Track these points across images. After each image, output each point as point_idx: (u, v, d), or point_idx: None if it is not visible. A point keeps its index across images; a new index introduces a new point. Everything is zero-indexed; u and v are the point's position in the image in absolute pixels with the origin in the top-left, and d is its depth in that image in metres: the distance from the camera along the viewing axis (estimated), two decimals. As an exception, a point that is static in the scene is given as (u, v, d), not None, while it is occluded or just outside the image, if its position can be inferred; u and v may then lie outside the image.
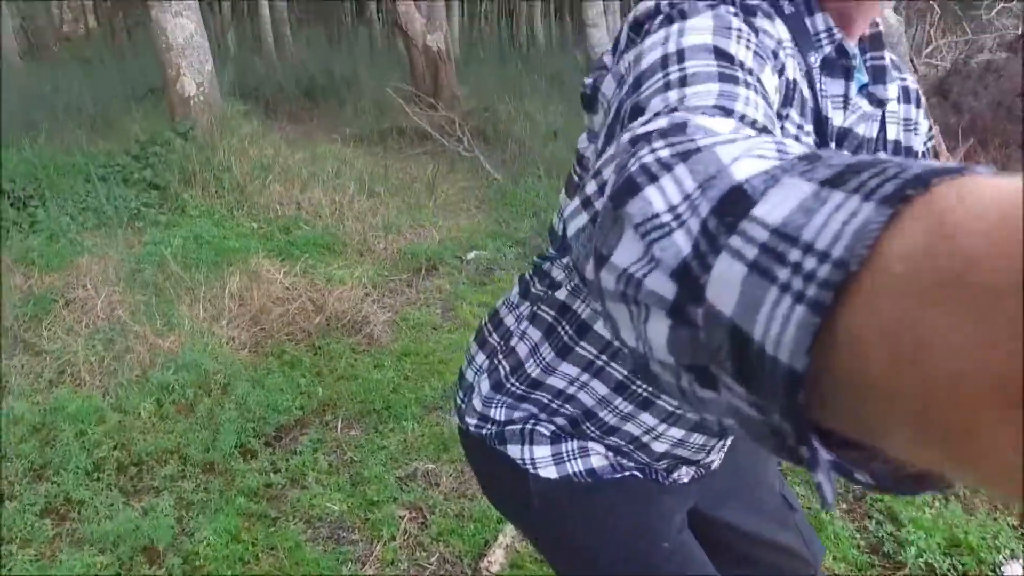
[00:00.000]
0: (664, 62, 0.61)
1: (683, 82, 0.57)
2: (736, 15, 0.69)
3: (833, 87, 0.83)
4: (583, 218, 0.46)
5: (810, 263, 0.27)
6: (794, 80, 0.75)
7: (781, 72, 0.73)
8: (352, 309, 3.76)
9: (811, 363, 0.26)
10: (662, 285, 0.36)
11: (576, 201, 0.47)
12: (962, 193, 0.23)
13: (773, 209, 0.30)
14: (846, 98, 0.84)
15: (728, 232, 0.32)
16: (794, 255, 0.28)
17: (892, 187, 0.26)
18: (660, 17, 0.71)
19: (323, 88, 10.40)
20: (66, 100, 8.08)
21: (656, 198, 0.39)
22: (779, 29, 0.76)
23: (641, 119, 0.51)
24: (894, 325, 0.23)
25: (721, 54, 0.61)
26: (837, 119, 0.84)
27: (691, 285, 0.34)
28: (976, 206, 0.22)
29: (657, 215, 0.38)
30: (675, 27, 0.66)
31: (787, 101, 0.74)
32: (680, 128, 0.44)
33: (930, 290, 0.22)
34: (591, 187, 0.46)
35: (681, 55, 0.61)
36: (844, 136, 0.85)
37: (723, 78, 0.57)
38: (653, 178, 0.40)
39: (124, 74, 11.42)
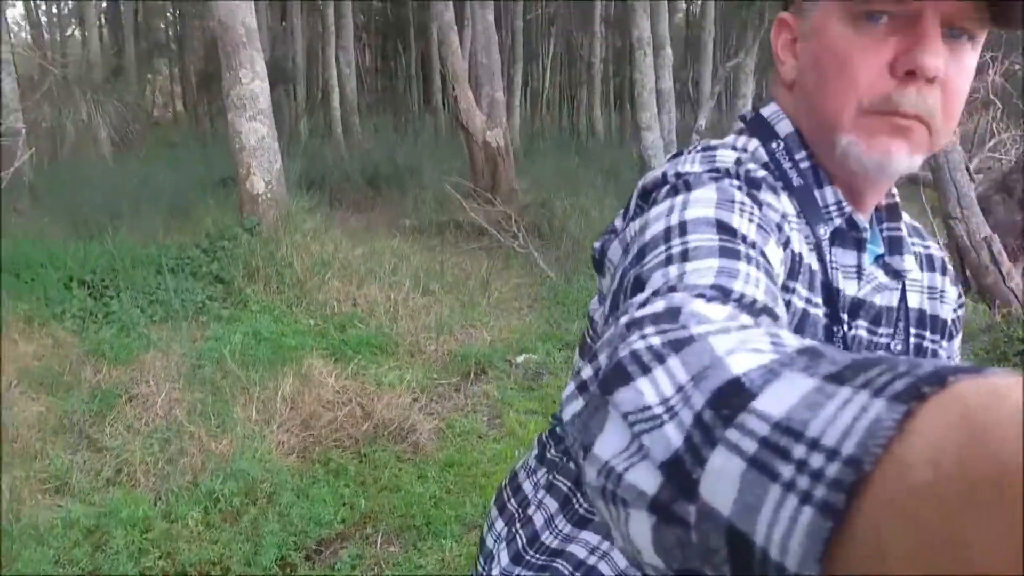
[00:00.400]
0: (667, 234, 0.62)
1: (684, 256, 0.58)
2: (740, 188, 0.70)
3: (845, 258, 0.83)
4: (579, 403, 0.45)
5: (817, 460, 0.26)
6: (800, 253, 0.75)
7: (786, 245, 0.73)
8: (400, 416, 3.81)
9: (823, 571, 0.25)
10: (645, 479, 0.35)
11: (572, 385, 0.47)
12: (987, 394, 0.22)
13: (774, 403, 0.30)
14: (859, 269, 0.83)
15: (725, 425, 0.31)
16: (799, 451, 0.27)
17: (904, 384, 0.25)
18: (666, 187, 0.72)
19: (386, 177, 10.80)
20: (149, 190, 8.56)
21: (648, 389, 0.38)
22: (784, 202, 0.77)
23: (639, 297, 0.53)
24: (925, 529, 0.22)
25: (723, 227, 0.62)
26: (850, 289, 0.83)
27: (683, 480, 0.33)
28: (1007, 409, 0.22)
29: (648, 407, 0.37)
30: (680, 198, 0.68)
31: (793, 274, 0.75)
32: (674, 315, 0.44)
33: (965, 494, 0.21)
34: (587, 371, 0.46)
35: (684, 228, 0.62)
36: (859, 306, 0.84)
37: (724, 253, 0.58)
38: (645, 368, 0.40)
39: (203, 160, 12.09)
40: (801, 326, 0.74)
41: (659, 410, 0.36)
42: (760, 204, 0.71)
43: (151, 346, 4.51)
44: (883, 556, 0.23)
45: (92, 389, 4.01)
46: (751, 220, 0.65)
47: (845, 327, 0.79)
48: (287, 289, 5.43)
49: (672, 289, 0.52)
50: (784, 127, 0.82)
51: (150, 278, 5.40)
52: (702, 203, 0.66)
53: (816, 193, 0.80)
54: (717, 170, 0.74)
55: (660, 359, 0.39)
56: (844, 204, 0.80)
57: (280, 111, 15.29)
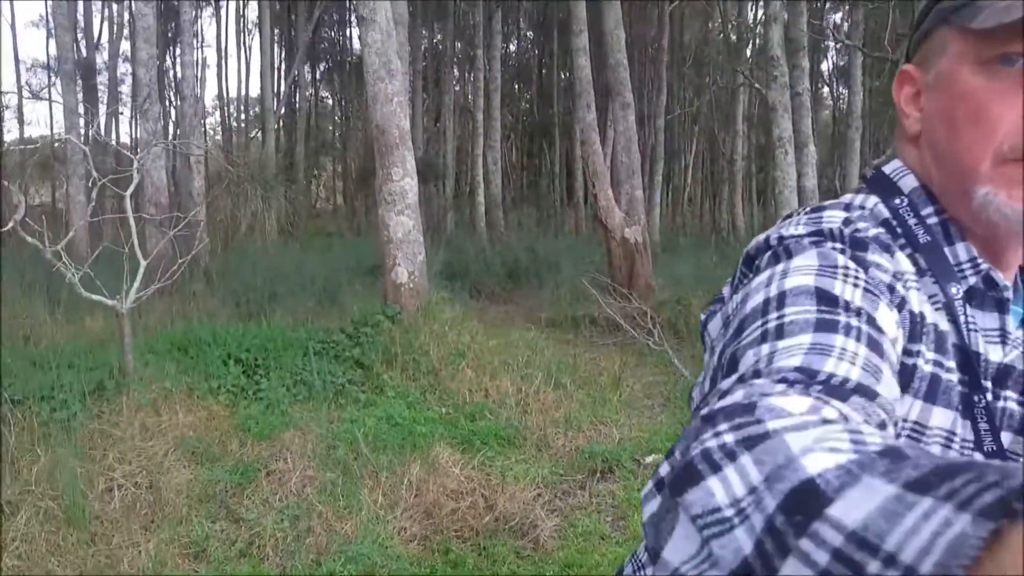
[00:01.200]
0: (765, 307, 0.61)
1: (779, 332, 0.57)
2: (843, 251, 0.68)
3: (985, 320, 0.75)
4: (655, 503, 0.43)
5: None
6: (920, 313, 0.70)
7: (901, 306, 0.69)
8: (522, 511, 3.76)
9: None
10: None
11: (651, 483, 0.45)
12: None
13: (850, 510, 0.28)
14: (1003, 332, 0.76)
15: (798, 533, 0.30)
16: (873, 567, 0.26)
17: (992, 497, 0.24)
18: (768, 254, 0.71)
19: (525, 270, 11.05)
20: (304, 275, 9.19)
21: (718, 489, 0.37)
22: (900, 261, 0.73)
23: (725, 383, 0.52)
24: None
25: (823, 297, 0.61)
26: (994, 355, 0.75)
27: None
28: None
29: (718, 508, 0.36)
30: (780, 267, 0.66)
31: (915, 336, 0.69)
32: (750, 409, 0.43)
33: None
34: (664, 468, 0.44)
35: (782, 299, 0.61)
36: (1006, 374, 0.75)
37: (820, 326, 0.57)
38: (716, 467, 0.38)
39: (355, 249, 12.90)
40: (932, 392, 0.69)
41: (729, 512, 0.35)
42: (867, 266, 0.68)
43: (292, 424, 4.73)
44: None
45: (236, 462, 4.24)
46: (855, 285, 0.63)
47: (988, 396, 0.72)
48: (422, 376, 5.58)
49: (757, 374, 0.52)
50: (908, 183, 0.79)
51: (297, 359, 5.72)
52: (803, 271, 0.64)
53: (946, 250, 0.75)
54: (821, 232, 0.71)
55: (732, 457, 0.38)
56: (979, 261, 0.74)
57: (430, 204, 16.18)
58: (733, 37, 19.47)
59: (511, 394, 5.43)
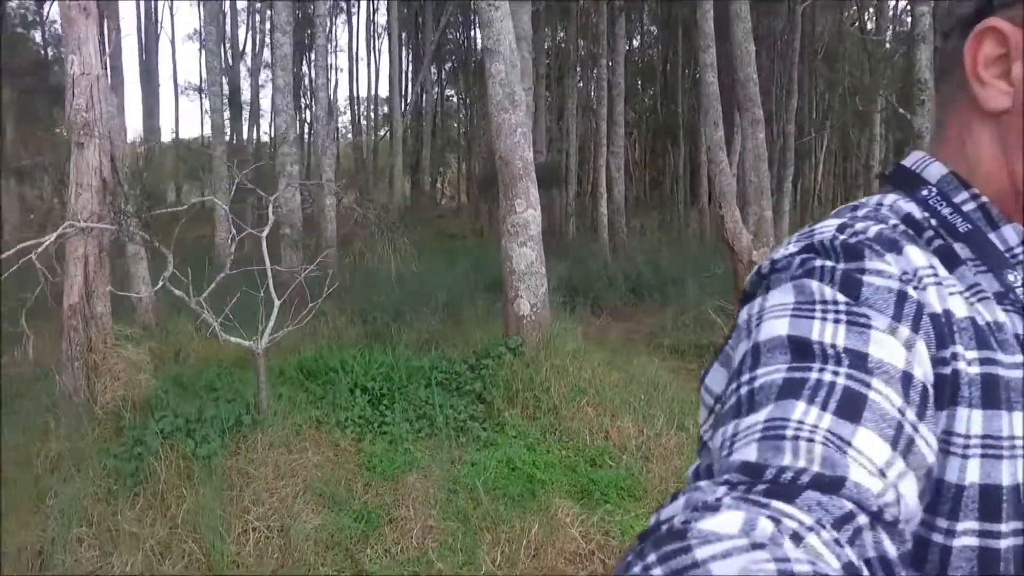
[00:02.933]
0: (740, 367, 0.57)
1: (749, 402, 0.53)
2: (827, 273, 0.59)
3: None
4: None
5: None
6: (947, 311, 0.60)
7: (919, 312, 0.59)
8: (642, 582, 3.66)
9: None
10: None
11: None
12: None
13: None
14: None
15: None
16: None
17: None
18: (753, 288, 0.64)
19: (648, 285, 10.83)
20: (427, 290, 9.36)
21: None
22: (910, 257, 0.62)
23: (680, 499, 0.47)
24: None
25: (796, 347, 0.55)
26: None
27: None
28: None
29: None
30: (756, 309, 0.60)
31: (943, 341, 0.59)
32: (680, 535, 0.41)
33: None
34: None
35: (756, 356, 0.56)
36: None
37: (783, 392, 0.52)
38: None
39: (477, 253, 13.05)
40: (992, 396, 0.58)
41: None
42: (859, 285, 0.58)
43: (414, 465, 4.82)
44: None
45: (361, 507, 4.36)
46: (837, 320, 0.56)
47: None
48: (542, 415, 5.56)
49: (709, 471, 0.50)
50: (934, 171, 0.69)
51: (420, 390, 5.83)
52: (776, 312, 0.58)
53: (992, 236, 0.66)
54: (812, 247, 0.62)
55: None
56: None
57: (551, 208, 16.15)
58: (870, 25, 18.30)
59: (632, 436, 5.32)
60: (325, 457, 4.89)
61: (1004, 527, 0.56)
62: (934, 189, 0.68)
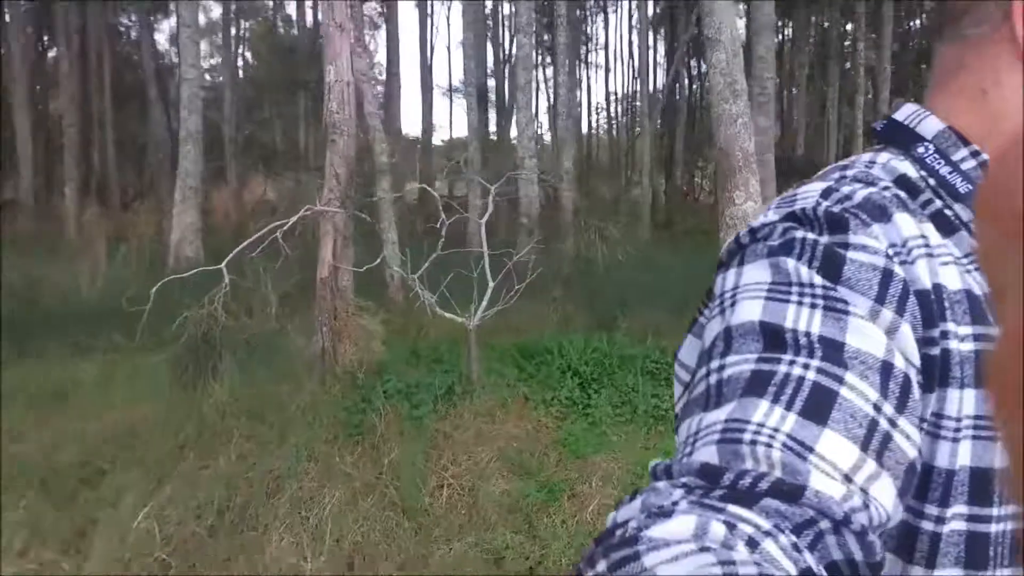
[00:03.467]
0: (711, 350, 0.54)
1: (717, 394, 0.51)
2: (803, 253, 0.55)
3: None
4: None
5: None
6: (937, 285, 0.56)
7: (905, 292, 0.55)
8: None
9: None
10: None
11: None
12: None
13: None
14: None
15: None
16: None
17: None
18: (730, 258, 0.59)
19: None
20: (661, 281, 9.36)
21: None
22: (900, 225, 0.58)
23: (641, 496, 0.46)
24: None
25: (768, 334, 0.51)
26: None
27: None
28: None
29: None
30: (730, 283, 0.57)
31: (932, 319, 0.55)
32: (630, 542, 0.40)
33: None
34: None
35: (728, 340, 0.53)
36: None
37: (750, 387, 0.49)
38: None
39: (710, 249, 12.70)
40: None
41: None
42: (840, 263, 0.54)
43: (607, 447, 4.97)
44: None
45: (547, 479, 4.61)
46: (813, 305, 0.52)
47: None
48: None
49: (668, 471, 0.48)
50: (930, 126, 0.63)
51: (628, 378, 5.95)
52: (750, 292, 0.55)
53: None
54: (793, 215, 0.58)
55: None
56: None
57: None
58: None
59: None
60: (524, 430, 5.21)
61: (995, 511, 0.54)
62: (931, 146, 0.63)
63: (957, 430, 0.54)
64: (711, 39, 6.04)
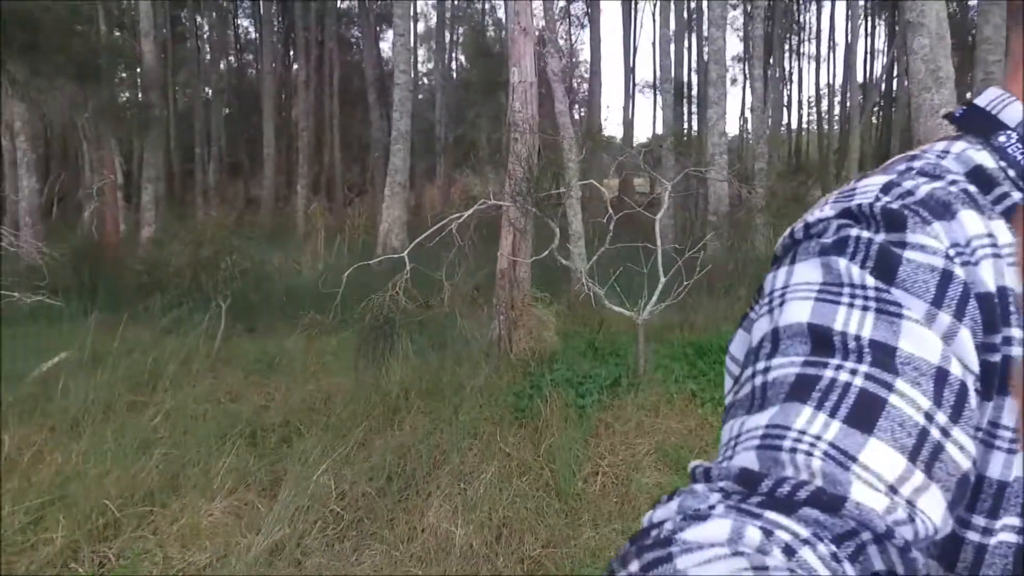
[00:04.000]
0: (759, 349, 0.52)
1: (761, 396, 0.49)
2: (856, 252, 0.52)
3: None
4: None
5: None
6: (1002, 288, 0.53)
7: (965, 295, 0.51)
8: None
9: None
10: None
11: None
12: None
13: None
14: None
15: None
16: None
17: None
18: (783, 254, 0.57)
19: None
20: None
21: None
22: (965, 224, 0.53)
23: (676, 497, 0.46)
24: None
25: (817, 337, 0.49)
26: None
27: None
28: None
29: None
30: (781, 282, 0.54)
31: (994, 324, 0.51)
32: (664, 543, 0.40)
33: None
34: None
35: (775, 341, 0.51)
36: None
37: (794, 391, 0.47)
38: None
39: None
40: None
41: None
42: (896, 263, 0.51)
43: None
44: None
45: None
46: (865, 308, 0.49)
47: None
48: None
49: (707, 475, 0.47)
50: (1015, 112, 0.58)
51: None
52: (800, 292, 0.52)
53: None
54: (849, 212, 0.54)
55: None
56: None
57: None
58: None
59: None
60: (686, 427, 5.20)
61: None
62: (1014, 135, 0.58)
63: (1013, 440, 0.51)
64: (912, 23, 5.63)
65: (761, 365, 0.50)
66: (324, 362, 6.07)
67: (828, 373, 0.47)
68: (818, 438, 0.44)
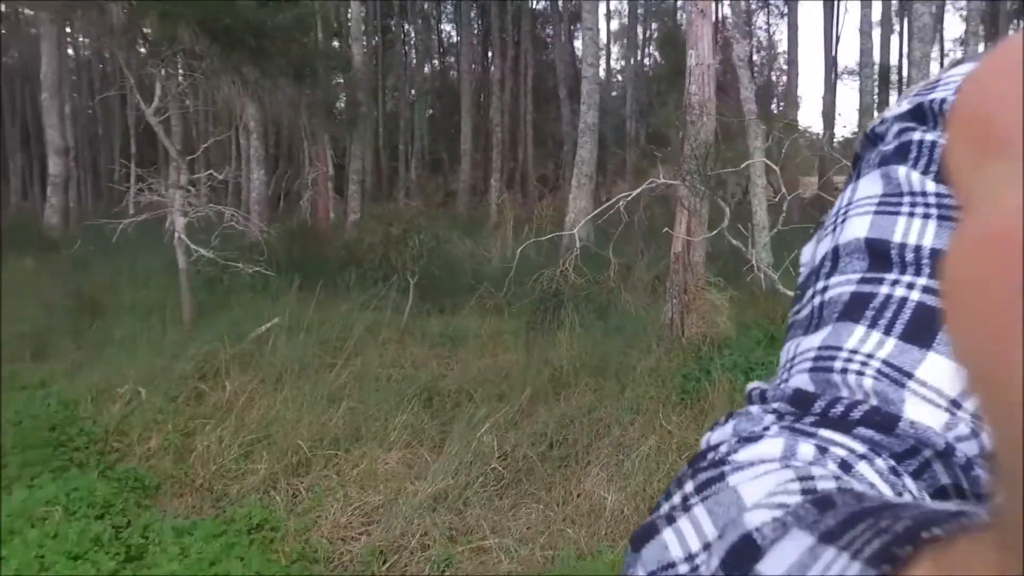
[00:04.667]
0: (820, 268, 0.49)
1: (818, 316, 0.47)
2: (918, 158, 0.48)
3: None
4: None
5: None
6: None
7: None
8: None
9: None
10: None
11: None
12: (957, 560, 0.19)
13: (774, 564, 0.28)
14: None
15: None
16: None
17: (879, 543, 0.23)
18: (853, 167, 0.53)
19: None
20: None
21: (672, 543, 0.36)
22: None
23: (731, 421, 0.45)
24: None
25: (874, 252, 0.46)
26: None
27: None
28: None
29: (672, 564, 0.36)
30: (846, 198, 0.51)
31: None
32: (717, 464, 0.40)
33: None
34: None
35: (835, 260, 0.48)
36: None
37: (848, 310, 0.44)
38: (671, 520, 0.37)
39: None
40: None
41: (684, 569, 0.35)
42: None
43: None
44: None
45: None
46: (927, 215, 0.47)
47: None
48: None
49: (763, 397, 0.46)
50: None
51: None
52: (861, 208, 0.49)
53: None
54: (918, 109, 0.49)
55: (687, 509, 0.38)
56: None
57: None
58: None
59: None
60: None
61: None
62: None
63: None
64: None
65: (820, 284, 0.48)
66: (502, 339, 6.38)
67: (883, 289, 0.44)
68: (870, 356, 0.42)
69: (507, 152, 20.18)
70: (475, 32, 23.49)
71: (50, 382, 5.44)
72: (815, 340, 0.45)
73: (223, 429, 4.61)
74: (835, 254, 0.47)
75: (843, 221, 0.49)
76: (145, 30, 7.32)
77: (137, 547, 3.50)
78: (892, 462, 0.39)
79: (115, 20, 6.74)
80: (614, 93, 26.09)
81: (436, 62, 27.99)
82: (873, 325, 0.43)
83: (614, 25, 28.90)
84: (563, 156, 19.72)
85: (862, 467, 0.38)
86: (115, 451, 4.59)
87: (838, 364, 0.42)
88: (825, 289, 0.47)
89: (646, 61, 25.84)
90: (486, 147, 23.10)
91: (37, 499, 3.71)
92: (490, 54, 24.74)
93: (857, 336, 0.43)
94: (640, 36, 24.71)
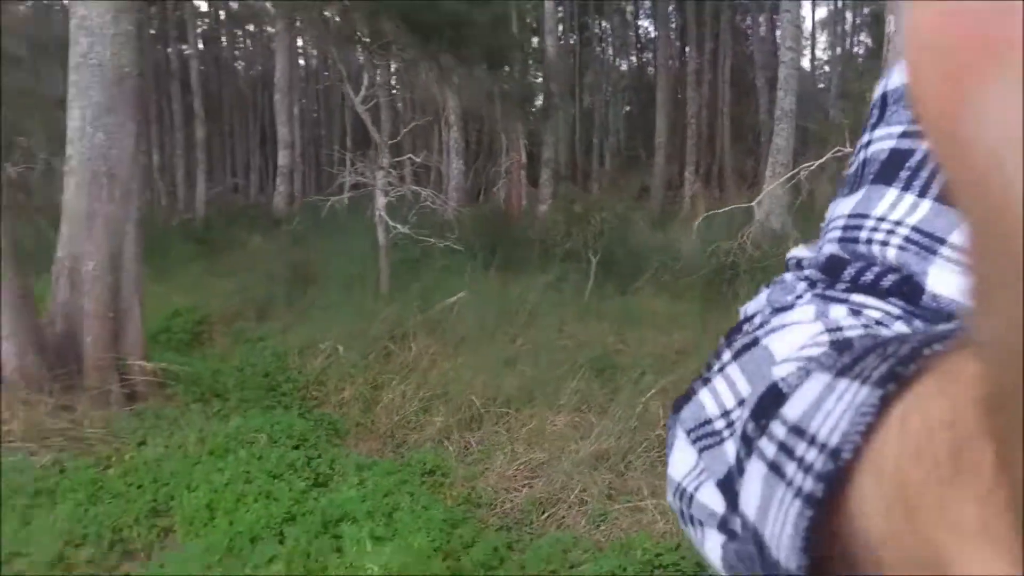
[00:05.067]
0: (866, 121, 0.47)
1: (858, 176, 0.45)
2: None
3: None
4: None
5: (811, 455, 0.25)
6: None
7: None
8: None
9: (809, 562, 0.24)
10: (712, 498, 0.35)
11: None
12: (954, 373, 0.19)
13: (797, 405, 0.29)
14: None
15: (759, 434, 0.30)
16: (800, 448, 0.26)
17: (885, 368, 0.24)
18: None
19: None
20: None
21: (708, 401, 0.37)
22: None
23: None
24: (899, 519, 0.20)
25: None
26: None
27: (731, 494, 0.33)
28: (962, 395, 0.18)
29: (709, 420, 0.36)
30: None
31: None
32: (751, 328, 0.41)
33: (937, 481, 0.18)
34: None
35: (882, 108, 0.45)
36: None
37: (882, 171, 0.42)
38: (707, 381, 0.38)
39: None
40: None
41: (720, 424, 0.35)
42: None
43: None
44: (865, 546, 0.22)
45: None
46: None
47: None
48: None
49: (799, 264, 0.46)
50: None
51: None
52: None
53: None
54: None
55: (721, 368, 0.38)
56: None
57: None
58: None
59: None
60: None
61: None
62: None
63: None
64: None
65: (865, 138, 0.45)
66: (678, 319, 6.31)
67: (924, 146, 0.40)
68: (898, 224, 0.40)
69: (704, 146, 19.67)
70: (671, 26, 23.10)
71: (267, 337, 6.14)
72: (847, 206, 0.43)
73: (407, 385, 4.98)
74: (883, 102, 0.44)
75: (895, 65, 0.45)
76: (356, 28, 8.01)
77: (324, 475, 3.89)
78: (925, 323, 0.37)
79: (331, 17, 7.44)
80: (821, 85, 24.55)
81: (633, 58, 27.86)
82: (907, 187, 0.40)
83: (821, 13, 27.11)
84: (761, 150, 18.92)
85: (898, 326, 0.37)
86: (314, 398, 5.11)
87: (863, 234, 0.41)
88: (869, 144, 0.44)
89: (857, 50, 24.07)
90: (681, 141, 22.68)
91: (249, 427, 4.23)
92: (687, 48, 24.24)
93: (888, 201, 0.40)
94: (848, 21, 23.06)
